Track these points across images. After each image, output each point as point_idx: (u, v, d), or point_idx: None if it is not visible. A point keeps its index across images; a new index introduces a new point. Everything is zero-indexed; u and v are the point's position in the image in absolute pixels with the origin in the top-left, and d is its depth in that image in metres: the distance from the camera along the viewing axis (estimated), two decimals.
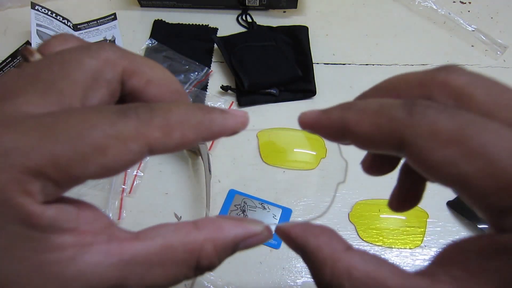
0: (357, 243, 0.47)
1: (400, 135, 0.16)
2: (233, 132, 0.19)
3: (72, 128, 0.14)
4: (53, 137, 0.14)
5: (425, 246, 0.47)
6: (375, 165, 0.22)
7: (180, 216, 0.48)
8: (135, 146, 0.15)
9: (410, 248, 0.47)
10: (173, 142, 0.17)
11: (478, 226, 0.47)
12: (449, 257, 0.16)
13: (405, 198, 0.22)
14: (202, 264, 0.17)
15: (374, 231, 0.48)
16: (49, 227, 0.14)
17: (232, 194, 0.50)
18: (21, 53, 0.18)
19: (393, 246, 0.47)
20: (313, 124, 0.19)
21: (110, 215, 0.48)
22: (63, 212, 0.15)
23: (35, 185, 0.14)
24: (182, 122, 0.17)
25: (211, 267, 0.18)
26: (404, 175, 0.22)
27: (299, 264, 0.46)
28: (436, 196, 0.50)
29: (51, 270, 0.14)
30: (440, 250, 0.17)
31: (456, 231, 0.48)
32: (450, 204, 0.50)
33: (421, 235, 0.48)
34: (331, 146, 0.53)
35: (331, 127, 0.18)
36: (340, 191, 0.51)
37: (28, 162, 0.13)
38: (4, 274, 0.14)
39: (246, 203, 0.49)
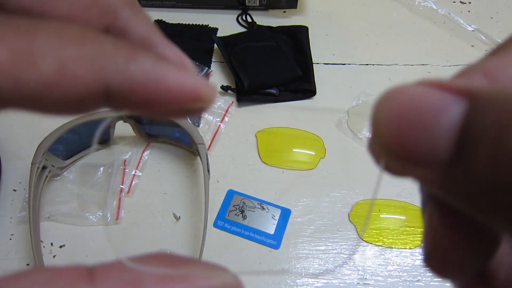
0: (357, 243, 0.47)
1: None
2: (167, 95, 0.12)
3: None
4: None
5: None
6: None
7: (179, 216, 0.48)
8: None
9: (410, 248, 0.47)
10: (41, 70, 0.11)
11: None
12: None
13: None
14: None
15: (374, 231, 0.48)
16: None
17: (230, 194, 0.50)
18: None
19: (393, 246, 0.47)
20: None
21: (108, 215, 0.47)
22: None
23: None
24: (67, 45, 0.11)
25: None
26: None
27: (299, 265, 0.45)
28: None
29: None
30: None
31: None
32: None
33: (421, 235, 0.48)
34: (331, 146, 0.53)
35: None
36: (340, 191, 0.50)
37: None
38: None
39: (245, 204, 0.49)
